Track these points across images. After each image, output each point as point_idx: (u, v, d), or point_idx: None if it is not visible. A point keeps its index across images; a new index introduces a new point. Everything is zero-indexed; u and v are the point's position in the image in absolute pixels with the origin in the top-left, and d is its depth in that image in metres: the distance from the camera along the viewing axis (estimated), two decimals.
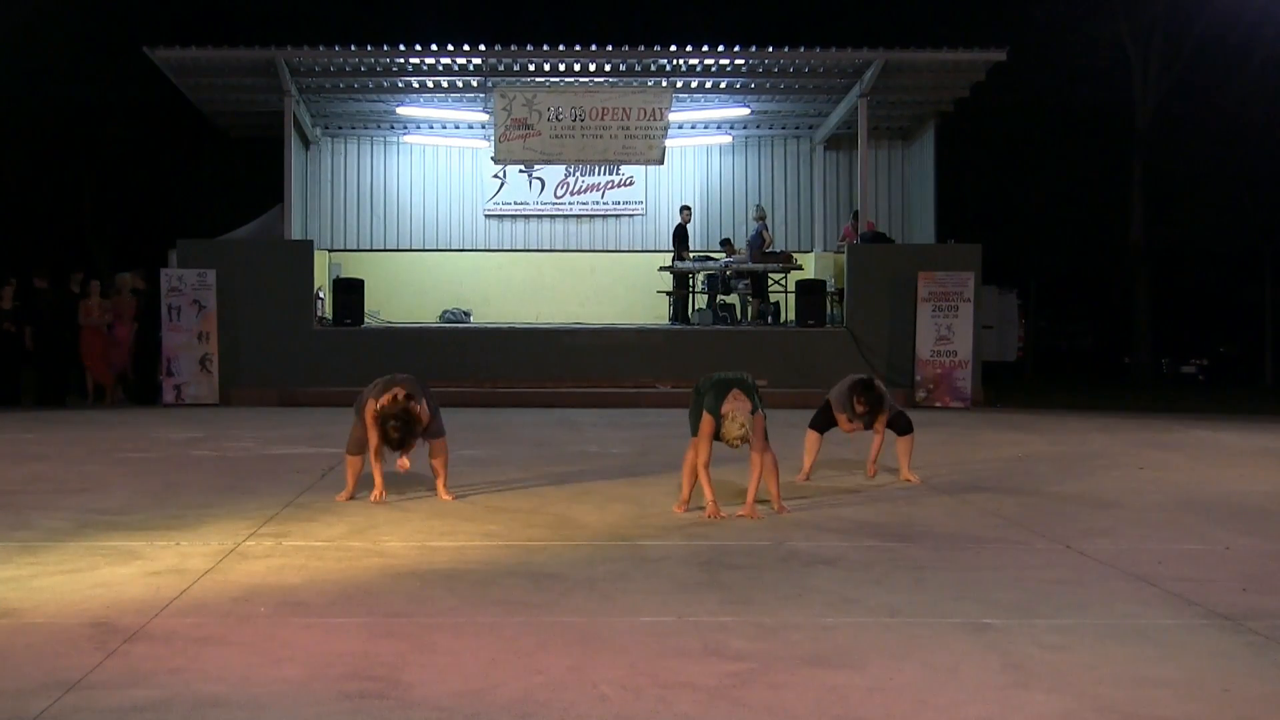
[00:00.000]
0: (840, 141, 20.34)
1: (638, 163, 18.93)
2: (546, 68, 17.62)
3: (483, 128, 19.79)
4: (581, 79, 17.96)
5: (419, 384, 7.65)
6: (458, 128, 20.23)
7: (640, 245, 20.33)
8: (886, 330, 16.35)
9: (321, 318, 17.22)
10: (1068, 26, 27.25)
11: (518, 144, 18.05)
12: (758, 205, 19.35)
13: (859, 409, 8.37)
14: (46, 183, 29.00)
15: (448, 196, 20.52)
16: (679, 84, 17.99)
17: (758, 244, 18.24)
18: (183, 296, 15.47)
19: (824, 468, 9.44)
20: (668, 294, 18.52)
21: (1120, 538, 6.72)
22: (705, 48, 16.94)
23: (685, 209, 19.15)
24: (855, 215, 18.85)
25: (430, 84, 18.01)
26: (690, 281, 18.57)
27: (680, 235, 18.69)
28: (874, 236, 17.95)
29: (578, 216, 20.56)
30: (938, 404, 15.82)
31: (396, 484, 8.44)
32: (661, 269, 18.69)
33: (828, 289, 17.96)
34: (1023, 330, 20.56)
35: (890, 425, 8.63)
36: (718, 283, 18.39)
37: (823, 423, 8.75)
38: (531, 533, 6.69)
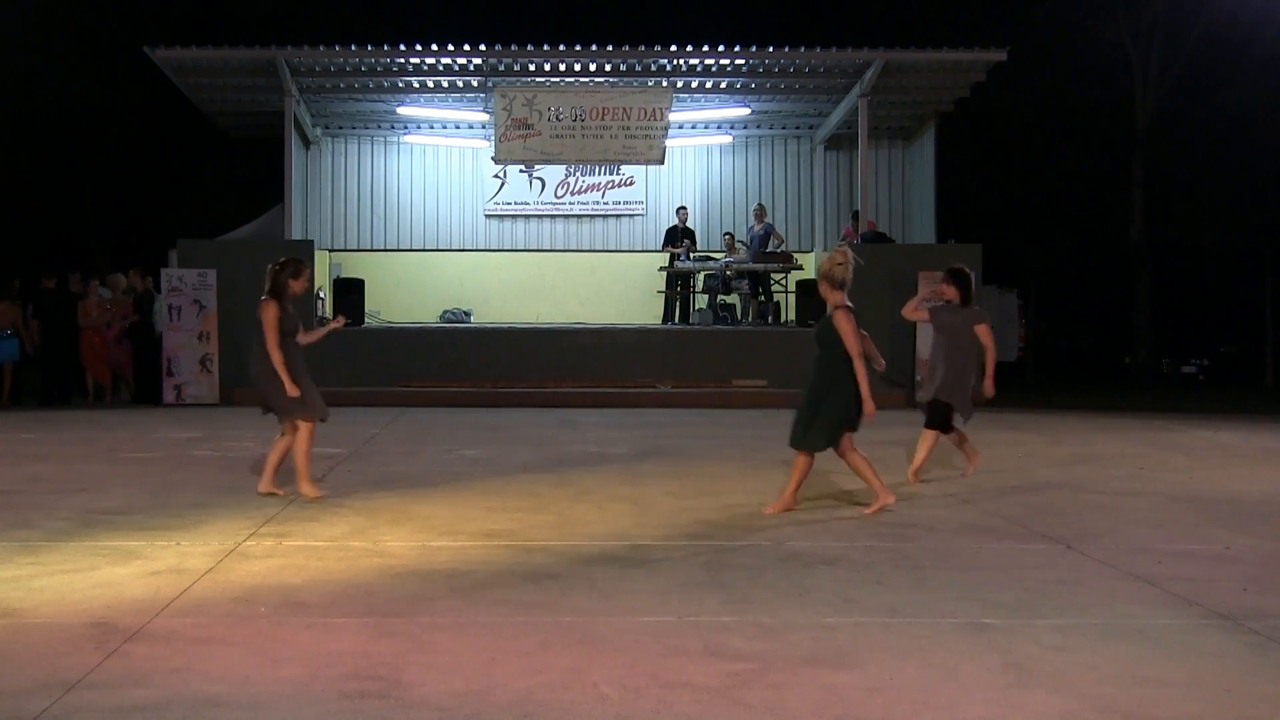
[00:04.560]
0: (840, 141, 20.33)
1: (638, 163, 18.93)
2: (547, 68, 17.62)
3: (483, 128, 19.80)
4: (582, 79, 17.96)
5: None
6: (458, 128, 20.23)
7: (640, 245, 20.32)
8: (887, 330, 16.30)
9: (321, 318, 17.21)
10: (1068, 26, 27.27)
11: (518, 144, 18.05)
12: (759, 205, 19.25)
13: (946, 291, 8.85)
14: (47, 183, 29.02)
15: (448, 196, 20.52)
16: (679, 84, 17.99)
17: (759, 245, 18.21)
18: (183, 296, 15.46)
19: (823, 470, 9.44)
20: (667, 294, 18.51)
21: (1120, 538, 6.72)
22: (705, 48, 16.94)
23: (681, 209, 19.14)
24: (855, 215, 18.84)
25: (430, 84, 18.01)
26: (691, 281, 18.57)
27: (672, 235, 18.68)
28: (874, 236, 17.94)
29: (578, 216, 20.56)
30: None
31: (396, 483, 8.44)
32: (662, 269, 18.68)
33: None
34: (1023, 330, 20.56)
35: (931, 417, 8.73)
36: (718, 282, 18.38)
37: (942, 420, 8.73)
38: (531, 533, 6.69)
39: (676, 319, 18.41)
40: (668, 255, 18.57)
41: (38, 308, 15.84)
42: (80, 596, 5.16)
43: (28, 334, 15.85)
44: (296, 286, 7.70)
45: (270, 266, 7.79)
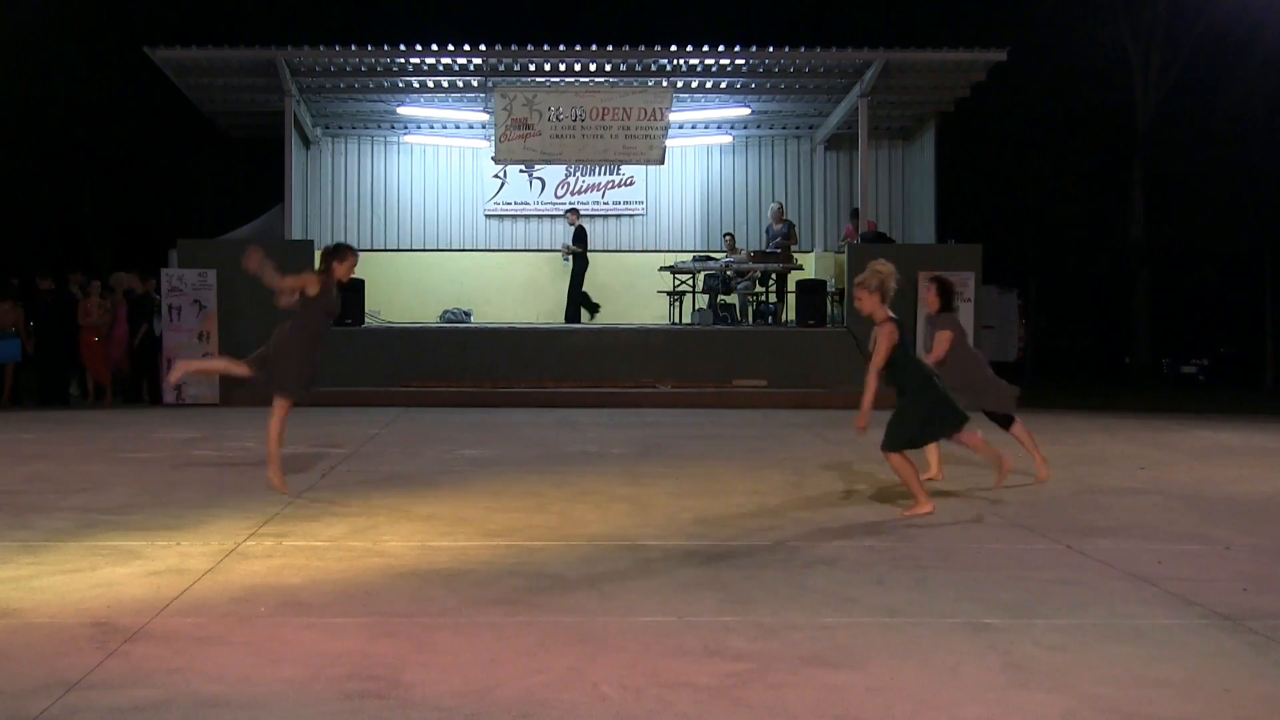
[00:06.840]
0: (840, 141, 20.33)
1: (638, 163, 18.93)
2: (547, 68, 17.63)
3: (483, 128, 19.80)
4: (582, 79, 17.96)
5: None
6: (458, 128, 20.23)
7: (640, 245, 20.33)
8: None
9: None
10: (1068, 26, 27.29)
11: (518, 144, 18.05)
12: (778, 204, 19.03)
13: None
14: (46, 183, 29.04)
15: (448, 196, 20.52)
16: (679, 84, 17.99)
17: (780, 242, 18.14)
18: (183, 296, 15.46)
19: (823, 470, 9.45)
20: (668, 294, 18.50)
21: (1120, 538, 6.72)
22: (705, 48, 16.94)
23: (571, 211, 19.02)
24: (855, 215, 18.85)
25: (430, 84, 18.01)
26: (685, 283, 18.53)
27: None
28: (875, 236, 17.94)
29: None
30: None
31: (396, 483, 8.44)
32: (662, 269, 18.68)
33: (828, 289, 17.95)
34: (1023, 330, 20.55)
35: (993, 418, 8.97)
36: (718, 282, 18.38)
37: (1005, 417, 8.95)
38: (531, 533, 6.69)
39: (581, 320, 18.28)
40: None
41: (33, 308, 15.85)
42: (80, 596, 5.16)
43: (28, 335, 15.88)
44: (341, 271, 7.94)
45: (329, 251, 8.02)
